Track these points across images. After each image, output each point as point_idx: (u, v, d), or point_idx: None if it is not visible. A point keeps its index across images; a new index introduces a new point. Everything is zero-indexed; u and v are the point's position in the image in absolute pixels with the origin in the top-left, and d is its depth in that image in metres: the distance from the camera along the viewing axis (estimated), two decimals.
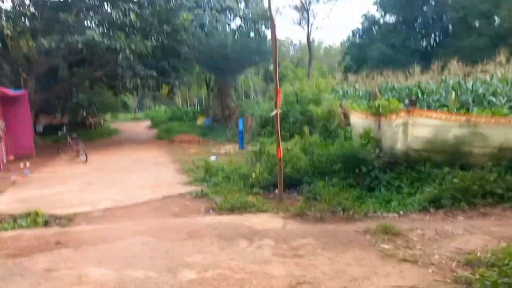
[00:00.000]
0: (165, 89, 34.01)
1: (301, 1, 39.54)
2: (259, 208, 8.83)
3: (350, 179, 9.93)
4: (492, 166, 8.88)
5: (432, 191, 8.63)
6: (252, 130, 21.34)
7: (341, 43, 71.03)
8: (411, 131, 10.00)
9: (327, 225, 7.67)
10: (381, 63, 44.91)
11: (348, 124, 12.77)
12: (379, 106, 10.83)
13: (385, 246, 6.11)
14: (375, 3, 60.69)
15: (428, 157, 9.87)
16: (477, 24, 48.95)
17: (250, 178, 10.92)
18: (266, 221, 7.91)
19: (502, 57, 16.48)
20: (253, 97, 47.42)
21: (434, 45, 56.34)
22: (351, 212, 8.34)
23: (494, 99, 14.32)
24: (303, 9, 40.47)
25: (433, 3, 56.56)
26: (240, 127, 19.56)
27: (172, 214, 9.08)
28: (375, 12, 61.21)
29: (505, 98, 14.03)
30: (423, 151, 9.93)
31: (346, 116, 13.01)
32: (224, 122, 31.91)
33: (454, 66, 18.66)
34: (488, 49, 42.59)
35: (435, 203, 8.40)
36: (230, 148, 19.73)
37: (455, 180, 8.49)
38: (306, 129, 11.70)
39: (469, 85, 17.25)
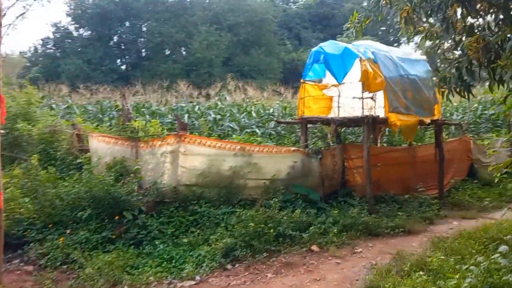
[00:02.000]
0: None
1: None
2: None
3: (106, 230, 7.01)
4: (278, 201, 7.80)
5: (222, 239, 6.82)
6: None
7: (20, 52, 61.52)
8: (182, 161, 7.98)
9: None
10: (77, 79, 41.07)
11: (83, 149, 9.61)
12: (136, 129, 8.33)
13: None
14: (68, 15, 55.90)
15: (201, 193, 8.04)
16: (172, 51, 51.58)
17: None
18: None
19: (231, 84, 16.65)
20: None
21: (131, 67, 56.16)
22: None
23: (231, 125, 13.92)
24: None
25: (128, 24, 56.52)
26: None
27: None
28: (68, 23, 56.23)
29: (242, 124, 13.80)
30: (196, 186, 8.05)
31: (80, 139, 9.80)
32: None
33: (182, 88, 17.86)
34: (183, 75, 45.24)
35: (229, 255, 6.59)
36: None
37: (251, 224, 6.91)
38: (34, 158, 7.92)
39: (196, 108, 16.61)
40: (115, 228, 7.04)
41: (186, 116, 14.97)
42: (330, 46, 9.74)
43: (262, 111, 16.19)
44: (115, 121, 9.72)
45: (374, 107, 12.09)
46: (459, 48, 5.22)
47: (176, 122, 14.69)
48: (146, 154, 8.26)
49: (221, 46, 46.23)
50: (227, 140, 9.59)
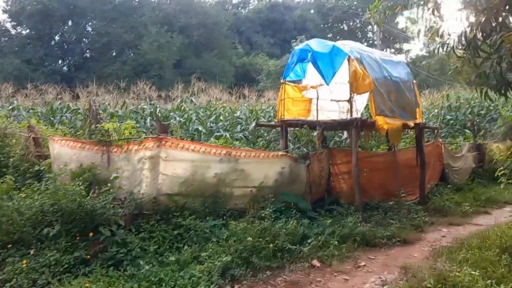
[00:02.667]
0: None
1: None
2: None
3: (79, 250, 5.97)
4: (272, 211, 7.11)
5: (216, 257, 6.02)
6: None
7: None
8: (164, 168, 7.07)
9: None
10: (16, 80, 38.26)
11: (41, 155, 8.41)
12: (108, 131, 7.32)
13: None
14: (5, 11, 52.25)
15: (184, 203, 7.16)
16: (120, 52, 49.46)
17: None
18: None
19: (195, 87, 15.62)
20: None
21: (74, 68, 53.27)
22: None
23: (199, 128, 13.04)
24: None
25: (71, 23, 53.65)
26: None
27: None
28: (5, 20, 52.53)
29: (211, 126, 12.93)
30: (178, 195, 7.17)
31: (38, 143, 8.58)
32: None
33: (143, 89, 16.62)
34: (132, 77, 43.44)
35: (226, 275, 5.80)
36: None
37: (249, 238, 6.15)
38: None
39: (157, 111, 15.55)
40: (90, 247, 6.03)
41: (148, 119, 13.90)
42: (317, 44, 9.19)
43: (227, 114, 15.42)
44: (81, 123, 8.58)
45: (351, 110, 11.73)
46: (489, 42, 4.82)
47: (139, 125, 13.64)
48: (120, 161, 7.27)
49: (173, 48, 44.85)
50: (211, 144, 8.70)
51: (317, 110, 11.08)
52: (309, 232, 7.17)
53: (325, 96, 11.27)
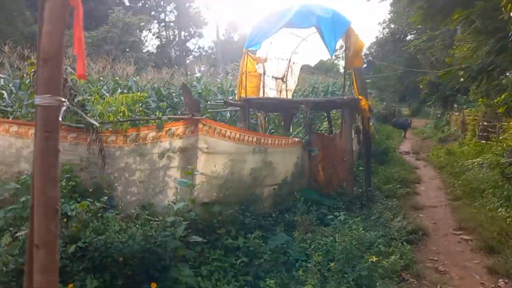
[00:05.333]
0: None
1: None
2: None
3: None
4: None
5: None
6: None
7: None
8: (203, 164, 4.66)
9: None
10: None
11: None
12: (94, 110, 4.47)
13: None
14: None
15: (220, 214, 4.91)
16: None
17: None
18: None
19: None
20: None
21: None
22: None
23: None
24: None
25: None
26: None
27: None
28: None
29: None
30: (217, 204, 4.87)
31: None
32: None
33: None
34: None
35: None
36: None
37: (371, 260, 4.47)
38: None
39: None
40: None
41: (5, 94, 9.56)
42: (317, 6, 7.58)
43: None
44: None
45: (286, 89, 10.70)
46: None
47: None
48: (126, 155, 4.52)
49: None
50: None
51: (263, 87, 9.61)
52: (372, 237, 5.82)
53: (268, 73, 9.86)
